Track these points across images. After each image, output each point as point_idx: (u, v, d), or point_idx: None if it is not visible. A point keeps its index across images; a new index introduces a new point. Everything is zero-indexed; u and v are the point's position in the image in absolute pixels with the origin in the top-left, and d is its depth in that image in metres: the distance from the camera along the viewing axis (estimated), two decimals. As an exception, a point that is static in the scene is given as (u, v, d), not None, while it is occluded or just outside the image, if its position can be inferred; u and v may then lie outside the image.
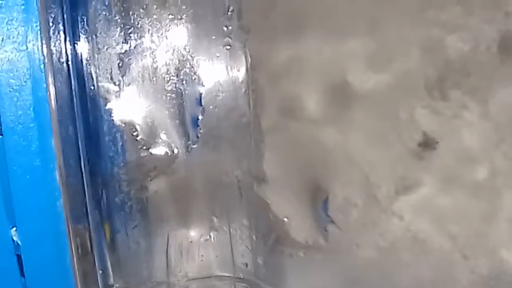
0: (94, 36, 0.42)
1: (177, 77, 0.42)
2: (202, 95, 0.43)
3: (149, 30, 0.42)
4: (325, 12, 0.43)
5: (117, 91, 0.42)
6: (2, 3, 0.37)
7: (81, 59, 0.41)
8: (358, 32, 0.42)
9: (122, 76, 0.42)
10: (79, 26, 0.41)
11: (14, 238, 0.40)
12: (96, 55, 0.42)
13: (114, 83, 0.42)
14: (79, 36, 0.41)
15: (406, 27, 0.41)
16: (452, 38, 0.40)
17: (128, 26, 0.42)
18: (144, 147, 0.43)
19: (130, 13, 0.42)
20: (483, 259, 0.42)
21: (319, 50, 0.43)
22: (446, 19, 0.40)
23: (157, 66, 0.42)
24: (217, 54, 0.43)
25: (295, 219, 0.44)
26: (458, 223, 0.42)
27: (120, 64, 0.42)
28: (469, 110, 0.40)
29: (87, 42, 0.42)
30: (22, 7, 0.37)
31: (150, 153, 0.43)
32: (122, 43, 0.42)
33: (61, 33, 0.39)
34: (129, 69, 0.42)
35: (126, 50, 0.42)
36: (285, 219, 0.44)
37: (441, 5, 0.40)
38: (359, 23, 0.42)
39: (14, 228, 0.40)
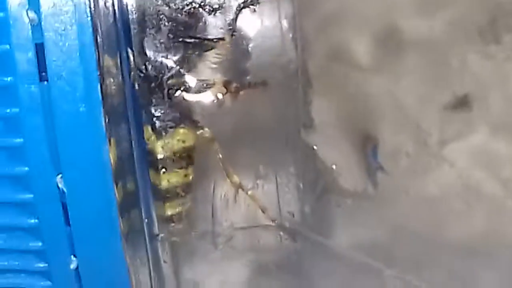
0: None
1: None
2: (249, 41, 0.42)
3: (195, -26, 0.41)
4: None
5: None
6: None
7: (127, 4, 0.41)
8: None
9: (169, 21, 0.41)
10: (126, -31, 0.41)
11: (60, 185, 0.39)
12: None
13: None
14: (126, -20, 0.41)
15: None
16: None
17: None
18: (189, 93, 0.42)
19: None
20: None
21: (369, -6, 0.42)
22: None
23: (202, 11, 0.41)
24: (264, -1, 0.42)
25: (343, 166, 0.43)
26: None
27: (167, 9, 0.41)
28: (523, 53, 0.39)
29: (133, -14, 0.41)
30: None
31: (196, 99, 0.42)
32: (167, -13, 0.41)
33: (108, -24, 0.39)
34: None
35: (172, -6, 0.41)
36: (333, 166, 0.44)
37: None
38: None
39: (60, 175, 0.39)
